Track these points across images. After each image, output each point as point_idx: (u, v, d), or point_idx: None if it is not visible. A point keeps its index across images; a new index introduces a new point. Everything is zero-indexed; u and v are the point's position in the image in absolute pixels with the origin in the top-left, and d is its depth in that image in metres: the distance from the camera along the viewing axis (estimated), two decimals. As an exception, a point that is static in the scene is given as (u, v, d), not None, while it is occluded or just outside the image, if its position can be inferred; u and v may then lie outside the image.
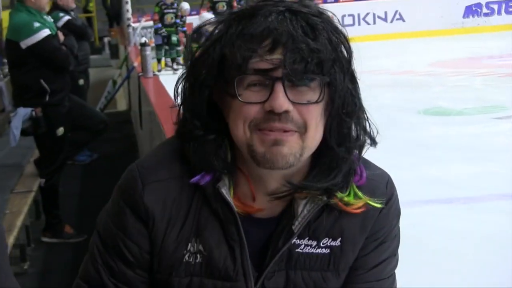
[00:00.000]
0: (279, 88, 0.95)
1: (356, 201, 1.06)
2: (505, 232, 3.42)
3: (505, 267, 3.09)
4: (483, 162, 4.82)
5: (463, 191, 4.29)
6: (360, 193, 1.06)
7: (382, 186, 1.10)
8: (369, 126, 1.05)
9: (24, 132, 4.21)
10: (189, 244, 1.07)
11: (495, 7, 14.42)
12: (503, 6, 14.37)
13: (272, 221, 1.08)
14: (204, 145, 1.03)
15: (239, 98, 0.98)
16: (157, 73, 6.83)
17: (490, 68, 9.58)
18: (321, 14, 1.00)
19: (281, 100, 0.95)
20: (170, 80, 3.14)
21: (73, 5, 5.92)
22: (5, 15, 6.68)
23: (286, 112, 0.96)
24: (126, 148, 7.04)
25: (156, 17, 10.75)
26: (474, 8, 14.39)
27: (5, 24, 5.78)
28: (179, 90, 1.07)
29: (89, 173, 6.24)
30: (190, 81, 1.04)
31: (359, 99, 1.03)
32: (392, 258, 1.15)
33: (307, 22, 0.97)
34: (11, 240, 3.50)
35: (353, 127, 1.03)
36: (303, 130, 0.98)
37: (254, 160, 1.00)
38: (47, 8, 4.62)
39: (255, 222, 1.07)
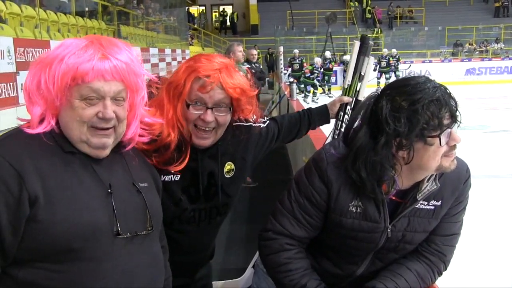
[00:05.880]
0: None
1: None
2: None
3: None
4: None
5: None
6: None
7: (466, 168, 1.71)
8: None
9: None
10: (354, 201, 1.60)
11: None
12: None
13: (406, 191, 1.62)
14: None
15: None
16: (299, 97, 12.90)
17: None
18: None
19: None
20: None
21: (255, 59, 8.50)
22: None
23: None
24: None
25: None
26: None
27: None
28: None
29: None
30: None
31: None
32: (463, 210, 1.74)
33: None
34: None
35: None
36: None
37: None
38: (242, 60, 6.96)
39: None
